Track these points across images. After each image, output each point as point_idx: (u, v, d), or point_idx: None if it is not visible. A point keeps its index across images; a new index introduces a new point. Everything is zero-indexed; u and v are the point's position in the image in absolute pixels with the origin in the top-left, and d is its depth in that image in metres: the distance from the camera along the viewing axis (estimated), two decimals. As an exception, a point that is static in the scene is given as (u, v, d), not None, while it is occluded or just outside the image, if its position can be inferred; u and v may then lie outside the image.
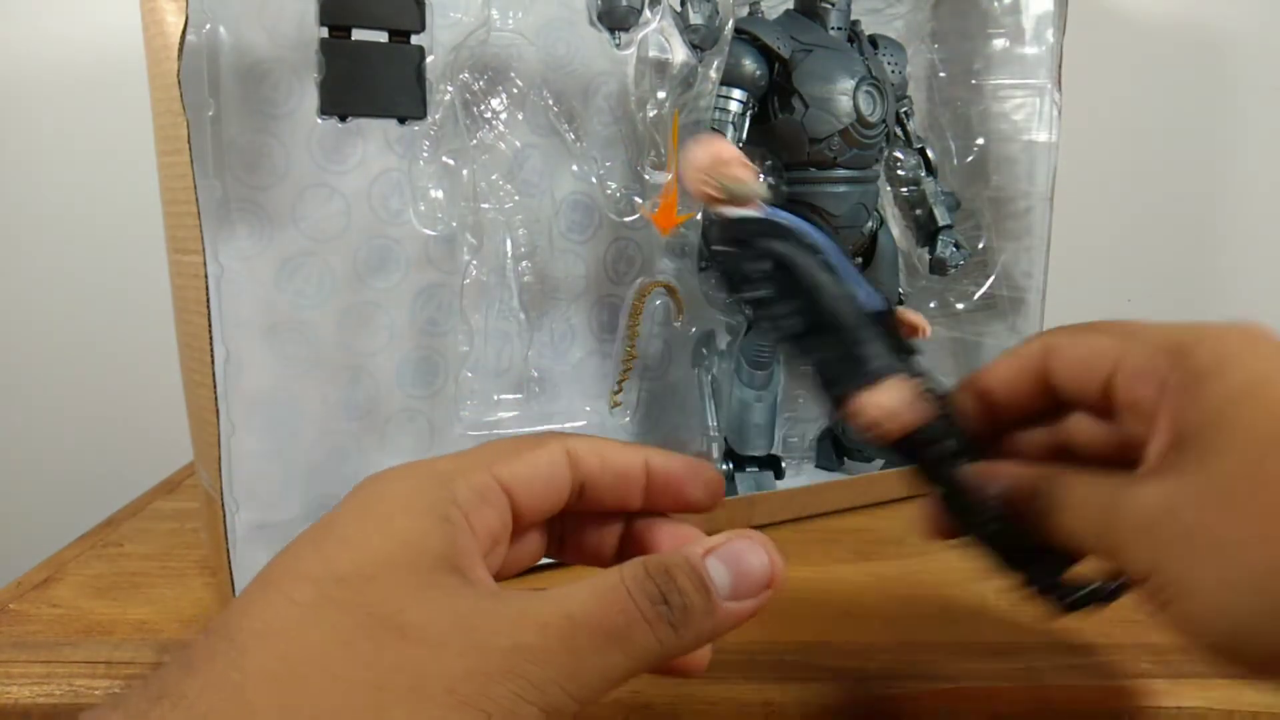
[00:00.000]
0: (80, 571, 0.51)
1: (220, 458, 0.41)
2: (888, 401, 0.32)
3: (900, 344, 0.35)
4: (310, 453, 0.56)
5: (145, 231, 0.76)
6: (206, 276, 0.39)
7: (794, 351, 0.36)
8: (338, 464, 0.57)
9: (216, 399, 0.40)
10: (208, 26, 0.45)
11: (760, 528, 0.58)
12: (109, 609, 0.47)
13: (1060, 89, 0.67)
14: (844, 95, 0.59)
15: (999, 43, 0.69)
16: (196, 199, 0.38)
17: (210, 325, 0.40)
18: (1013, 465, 0.32)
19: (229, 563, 0.42)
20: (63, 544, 0.55)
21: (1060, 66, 0.67)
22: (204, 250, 0.39)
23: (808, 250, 0.35)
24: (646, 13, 0.57)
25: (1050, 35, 0.67)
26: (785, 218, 0.37)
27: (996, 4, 0.68)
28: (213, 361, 0.40)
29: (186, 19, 0.38)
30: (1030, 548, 0.31)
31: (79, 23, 0.83)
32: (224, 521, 0.42)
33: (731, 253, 0.36)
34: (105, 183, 0.86)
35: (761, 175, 0.41)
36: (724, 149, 0.38)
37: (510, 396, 0.60)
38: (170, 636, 0.44)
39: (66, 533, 0.57)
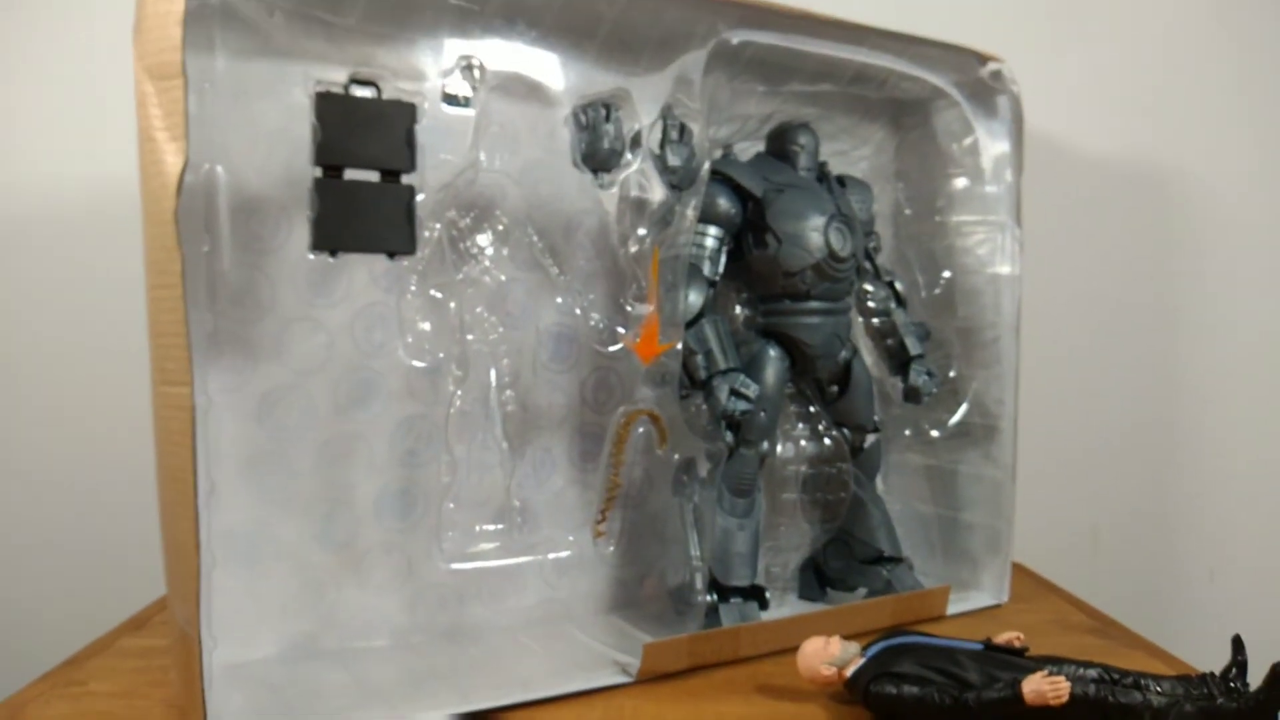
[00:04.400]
0: (41, 712, 0.49)
1: (199, 590, 0.40)
2: (1045, 682, 0.44)
3: (1015, 651, 0.49)
4: (285, 588, 0.55)
5: (118, 368, 0.76)
6: (194, 408, 0.39)
7: (961, 704, 0.46)
8: (313, 599, 0.56)
9: (198, 531, 0.40)
10: (206, 166, 0.46)
11: (746, 660, 0.58)
12: (73, 751, 0.44)
13: (1020, 225, 0.70)
14: (815, 231, 0.61)
15: (960, 182, 0.72)
16: (187, 331, 0.39)
17: (194, 456, 0.39)
18: None
19: (203, 703, 0.41)
20: (22, 683, 0.53)
21: (1019, 204, 0.70)
22: (192, 382, 0.39)
23: (911, 650, 0.49)
24: (627, 155, 0.59)
25: (1009, 175, 0.70)
26: (877, 648, 0.50)
27: (956, 146, 0.71)
28: (196, 494, 0.39)
29: (186, 160, 0.39)
30: None
31: (75, 163, 0.85)
32: (199, 660, 0.40)
33: (878, 693, 0.47)
34: (78, 318, 0.86)
35: (840, 639, 0.51)
36: (810, 646, 0.50)
37: (492, 527, 0.59)
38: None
39: (28, 671, 0.54)
